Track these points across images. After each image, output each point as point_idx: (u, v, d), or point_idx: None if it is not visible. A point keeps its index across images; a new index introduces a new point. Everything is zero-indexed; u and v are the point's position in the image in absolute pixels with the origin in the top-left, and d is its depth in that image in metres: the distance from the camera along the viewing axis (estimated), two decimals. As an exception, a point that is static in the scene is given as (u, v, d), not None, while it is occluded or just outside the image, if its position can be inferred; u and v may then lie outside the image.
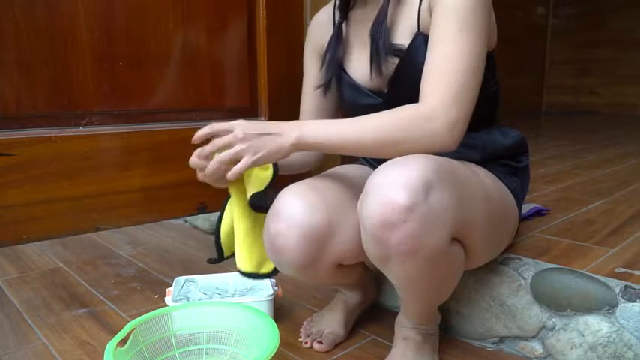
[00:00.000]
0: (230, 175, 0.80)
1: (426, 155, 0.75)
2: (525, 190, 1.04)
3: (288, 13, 1.25)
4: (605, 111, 4.95)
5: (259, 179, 0.85)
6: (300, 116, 1.09)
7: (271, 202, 0.86)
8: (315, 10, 1.45)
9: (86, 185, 1.02)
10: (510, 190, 0.95)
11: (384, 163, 0.74)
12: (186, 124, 1.15)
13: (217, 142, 0.80)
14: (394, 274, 0.78)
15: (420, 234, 0.69)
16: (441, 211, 0.71)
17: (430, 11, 0.85)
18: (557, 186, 1.69)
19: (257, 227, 0.90)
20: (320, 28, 1.06)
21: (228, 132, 0.80)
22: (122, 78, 1.04)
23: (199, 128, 1.19)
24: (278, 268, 0.90)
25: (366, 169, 1.05)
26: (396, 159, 0.74)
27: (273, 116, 1.25)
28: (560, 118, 4.62)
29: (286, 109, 1.01)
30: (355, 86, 0.97)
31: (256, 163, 0.80)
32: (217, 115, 1.20)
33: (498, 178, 0.93)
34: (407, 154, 0.77)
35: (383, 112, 0.81)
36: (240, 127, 0.79)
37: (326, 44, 1.02)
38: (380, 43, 0.88)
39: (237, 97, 1.22)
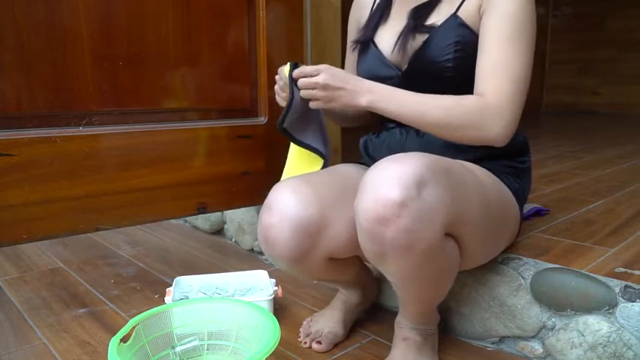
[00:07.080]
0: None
1: (421, 153, 0.76)
2: (527, 192, 1.04)
3: (288, 13, 1.25)
4: (605, 111, 4.95)
5: (309, 166, 1.00)
6: None
7: None
8: (315, 10, 1.45)
9: (86, 185, 1.01)
10: (512, 191, 0.95)
11: (379, 160, 0.75)
12: (186, 124, 1.15)
13: (303, 82, 0.90)
14: (390, 270, 0.78)
15: (413, 229, 0.70)
16: (434, 207, 0.71)
17: (479, 7, 0.88)
18: (557, 186, 1.69)
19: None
20: (361, 11, 1.11)
21: (315, 73, 0.89)
22: (122, 78, 1.04)
23: (199, 128, 1.21)
24: (271, 261, 0.91)
25: (365, 168, 1.05)
26: (392, 156, 0.75)
27: (274, 116, 1.25)
28: (560, 118, 4.62)
29: (286, 109, 1.01)
30: (378, 56, 1.00)
31: (327, 108, 0.92)
32: (217, 115, 1.20)
33: (500, 178, 0.93)
34: (458, 141, 0.88)
35: (448, 96, 0.87)
36: (324, 73, 0.88)
37: (363, 20, 1.07)
38: (414, 22, 0.93)
39: (236, 98, 1.22)
